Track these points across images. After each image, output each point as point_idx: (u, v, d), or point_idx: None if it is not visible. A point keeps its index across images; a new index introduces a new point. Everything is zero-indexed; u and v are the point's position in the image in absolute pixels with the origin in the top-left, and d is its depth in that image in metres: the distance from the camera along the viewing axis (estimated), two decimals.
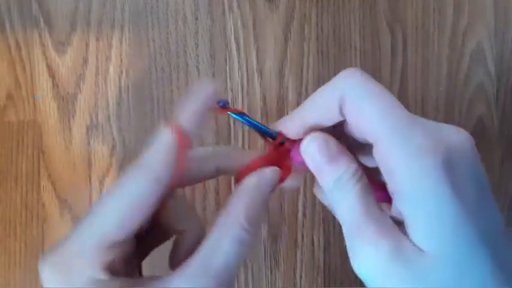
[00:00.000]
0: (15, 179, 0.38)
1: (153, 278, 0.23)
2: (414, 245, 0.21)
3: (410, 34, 0.39)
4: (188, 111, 0.23)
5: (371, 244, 0.21)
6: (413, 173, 0.20)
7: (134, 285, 0.22)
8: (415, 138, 0.21)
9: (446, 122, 0.38)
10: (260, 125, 0.25)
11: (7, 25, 0.38)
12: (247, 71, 0.38)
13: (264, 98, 0.38)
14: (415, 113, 0.23)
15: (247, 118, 0.25)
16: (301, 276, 0.38)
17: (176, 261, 0.25)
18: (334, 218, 0.38)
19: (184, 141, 0.22)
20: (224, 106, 0.24)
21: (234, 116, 0.25)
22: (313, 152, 0.23)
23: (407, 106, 0.38)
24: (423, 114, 0.38)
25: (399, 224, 0.22)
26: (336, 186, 0.23)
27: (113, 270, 0.22)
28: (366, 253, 0.21)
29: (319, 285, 0.38)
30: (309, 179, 0.38)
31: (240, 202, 0.24)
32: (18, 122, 0.38)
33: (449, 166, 0.20)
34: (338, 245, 0.38)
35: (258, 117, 0.38)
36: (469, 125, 0.39)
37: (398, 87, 0.39)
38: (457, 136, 0.21)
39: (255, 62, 0.38)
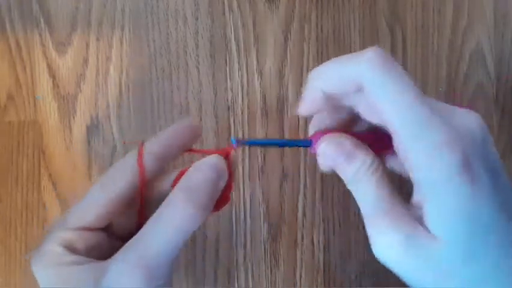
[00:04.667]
0: (16, 179, 0.38)
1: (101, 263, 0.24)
2: (428, 232, 0.22)
3: (410, 34, 0.39)
4: (158, 139, 0.26)
5: (384, 234, 0.22)
6: (431, 169, 0.22)
7: (82, 262, 0.24)
8: (433, 134, 0.22)
9: None
10: (283, 141, 0.28)
11: (7, 25, 0.38)
12: (247, 71, 0.38)
13: (264, 98, 0.38)
14: None
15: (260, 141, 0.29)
16: (301, 276, 0.38)
17: None
18: (334, 217, 0.38)
19: (143, 160, 0.26)
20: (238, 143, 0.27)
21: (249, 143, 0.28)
22: (330, 154, 0.25)
23: None
24: None
25: (419, 209, 0.23)
26: (354, 179, 0.24)
27: (72, 248, 0.25)
28: (381, 242, 0.23)
29: (319, 285, 0.38)
30: (309, 180, 0.38)
31: (180, 185, 0.25)
32: (18, 122, 0.38)
33: (465, 160, 0.21)
34: (338, 245, 0.38)
35: (258, 117, 0.38)
36: None
37: None
38: (471, 124, 0.23)
39: (255, 62, 0.38)
